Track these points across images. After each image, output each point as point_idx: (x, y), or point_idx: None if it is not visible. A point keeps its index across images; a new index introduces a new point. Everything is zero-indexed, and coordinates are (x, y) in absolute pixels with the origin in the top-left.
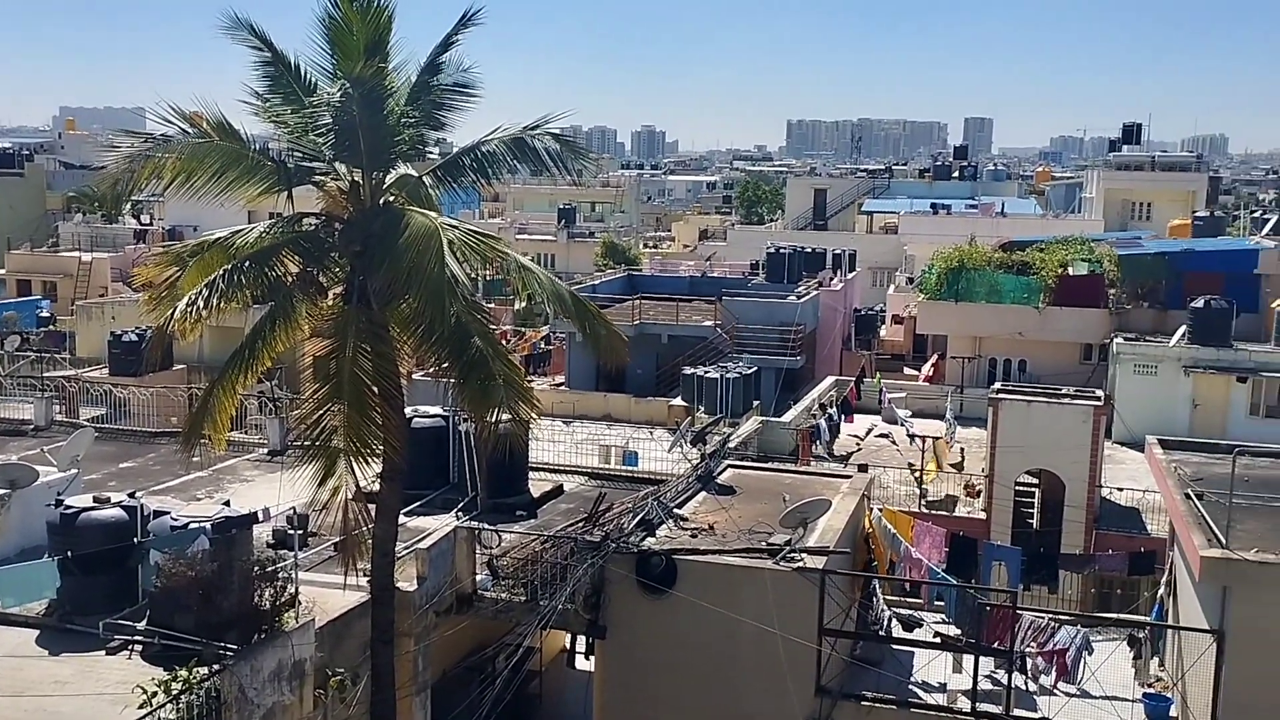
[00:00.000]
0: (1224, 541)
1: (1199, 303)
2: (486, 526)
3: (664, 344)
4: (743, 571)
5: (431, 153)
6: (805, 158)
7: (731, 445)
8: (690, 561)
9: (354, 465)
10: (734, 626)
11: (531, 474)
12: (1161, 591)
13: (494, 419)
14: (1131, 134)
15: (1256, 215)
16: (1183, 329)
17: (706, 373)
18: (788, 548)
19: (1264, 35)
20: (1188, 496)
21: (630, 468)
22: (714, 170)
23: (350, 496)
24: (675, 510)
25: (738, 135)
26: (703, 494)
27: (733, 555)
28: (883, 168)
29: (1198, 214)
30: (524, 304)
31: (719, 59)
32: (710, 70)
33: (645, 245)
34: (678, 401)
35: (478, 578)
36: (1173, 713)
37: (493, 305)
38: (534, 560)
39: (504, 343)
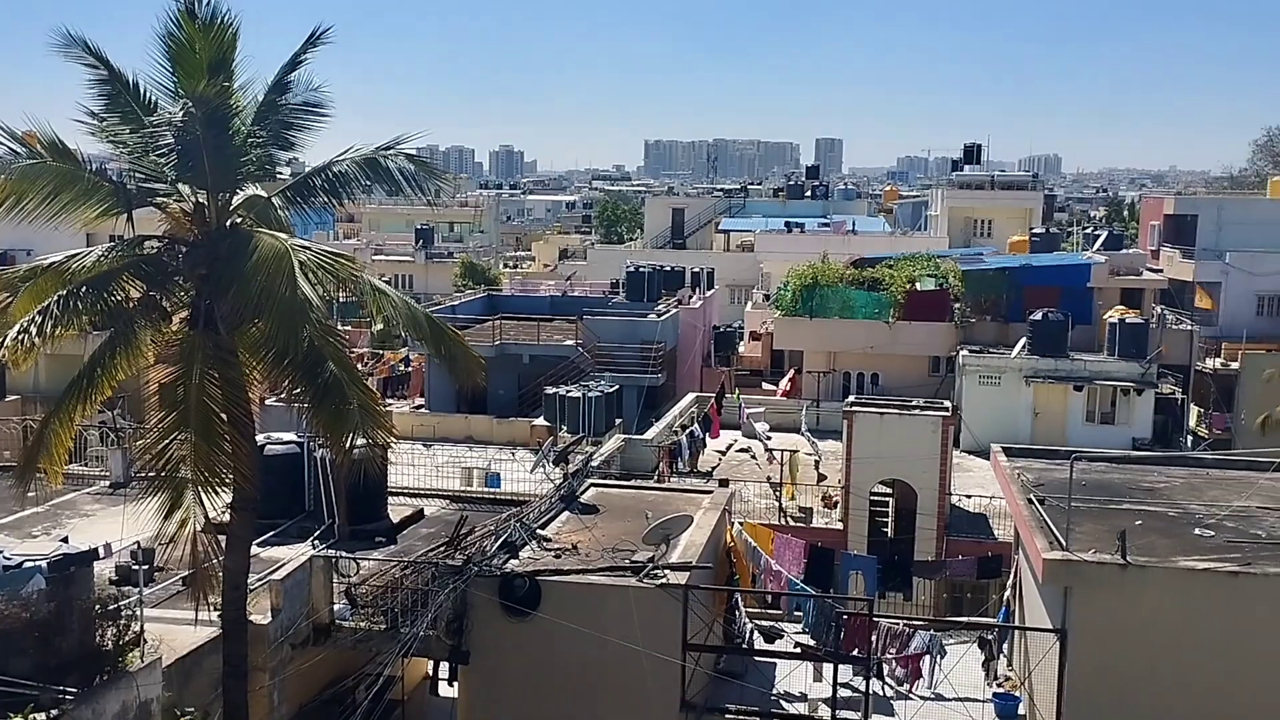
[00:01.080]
0: (1064, 544)
1: (1037, 315)
2: (344, 554)
3: (525, 364)
4: (606, 590)
5: (282, 173)
6: (663, 177)
7: (594, 464)
8: (554, 582)
9: (203, 496)
10: (599, 646)
11: (391, 499)
12: (1008, 594)
13: (350, 444)
14: (972, 154)
15: (1088, 231)
16: (1023, 341)
17: (568, 392)
18: (651, 565)
19: (1093, 62)
20: (1030, 502)
21: (493, 489)
22: (573, 190)
23: (199, 528)
24: (538, 531)
25: (596, 155)
26: (566, 514)
27: (596, 574)
28: (738, 187)
29: (1035, 230)
30: (381, 326)
31: (577, 79)
32: (569, 90)
33: (505, 265)
34: (540, 421)
35: (335, 607)
36: (1021, 710)
37: (348, 328)
38: (394, 587)
39: (361, 366)
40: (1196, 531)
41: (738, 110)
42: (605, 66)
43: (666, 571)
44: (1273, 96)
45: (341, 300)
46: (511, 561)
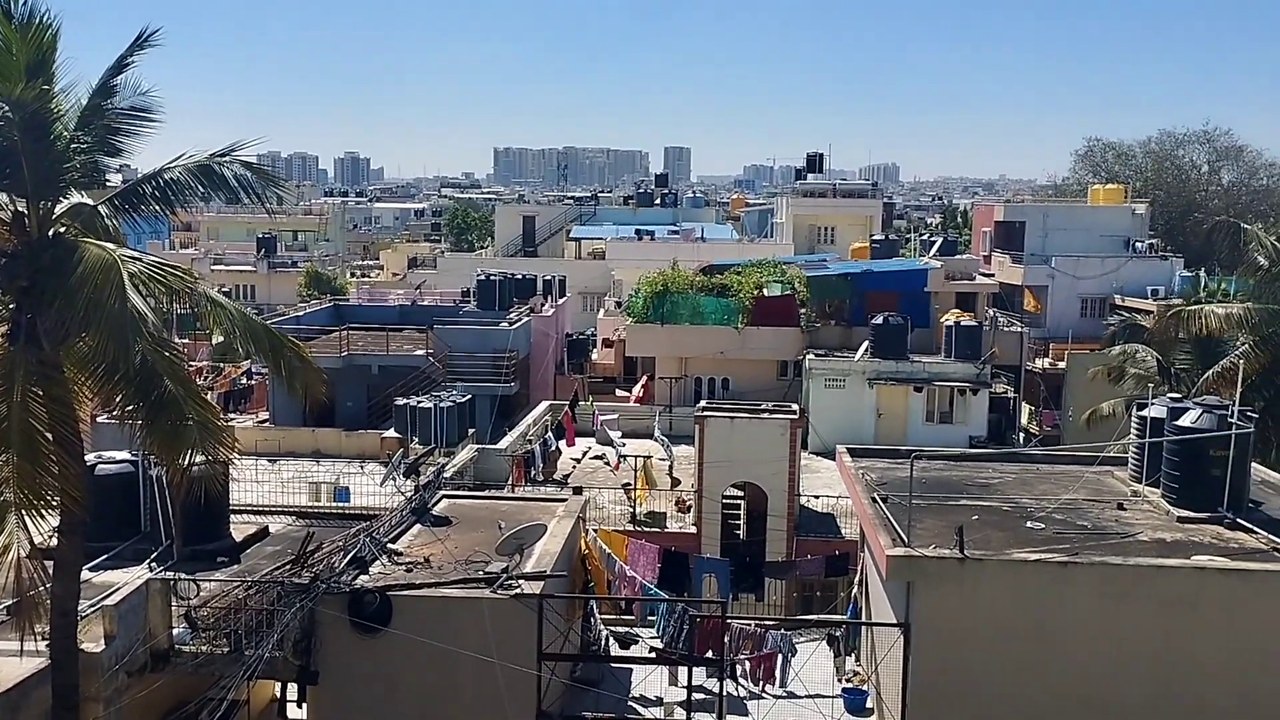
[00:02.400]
0: (906, 540)
1: (878, 319)
2: (183, 576)
3: (375, 375)
4: (460, 603)
5: (111, 180)
6: (513, 185)
7: (447, 475)
8: (405, 597)
9: (27, 520)
10: (453, 659)
11: (234, 517)
12: (855, 591)
13: (188, 462)
14: (815, 163)
15: (925, 238)
16: (866, 344)
17: (420, 403)
18: (505, 576)
19: (927, 74)
20: (874, 500)
21: (342, 504)
22: (422, 198)
23: (24, 554)
24: (389, 545)
25: (445, 162)
26: (417, 527)
27: (449, 587)
28: (589, 195)
29: (875, 237)
30: (221, 339)
31: (425, 86)
32: (417, 97)
33: (352, 274)
34: (391, 433)
35: (175, 631)
36: (869, 704)
37: (186, 341)
38: (237, 608)
39: (201, 380)
40: (1028, 524)
41: (587, 118)
42: (454, 73)
43: (521, 582)
44: (1092, 109)
45: (179, 313)
46: (361, 577)
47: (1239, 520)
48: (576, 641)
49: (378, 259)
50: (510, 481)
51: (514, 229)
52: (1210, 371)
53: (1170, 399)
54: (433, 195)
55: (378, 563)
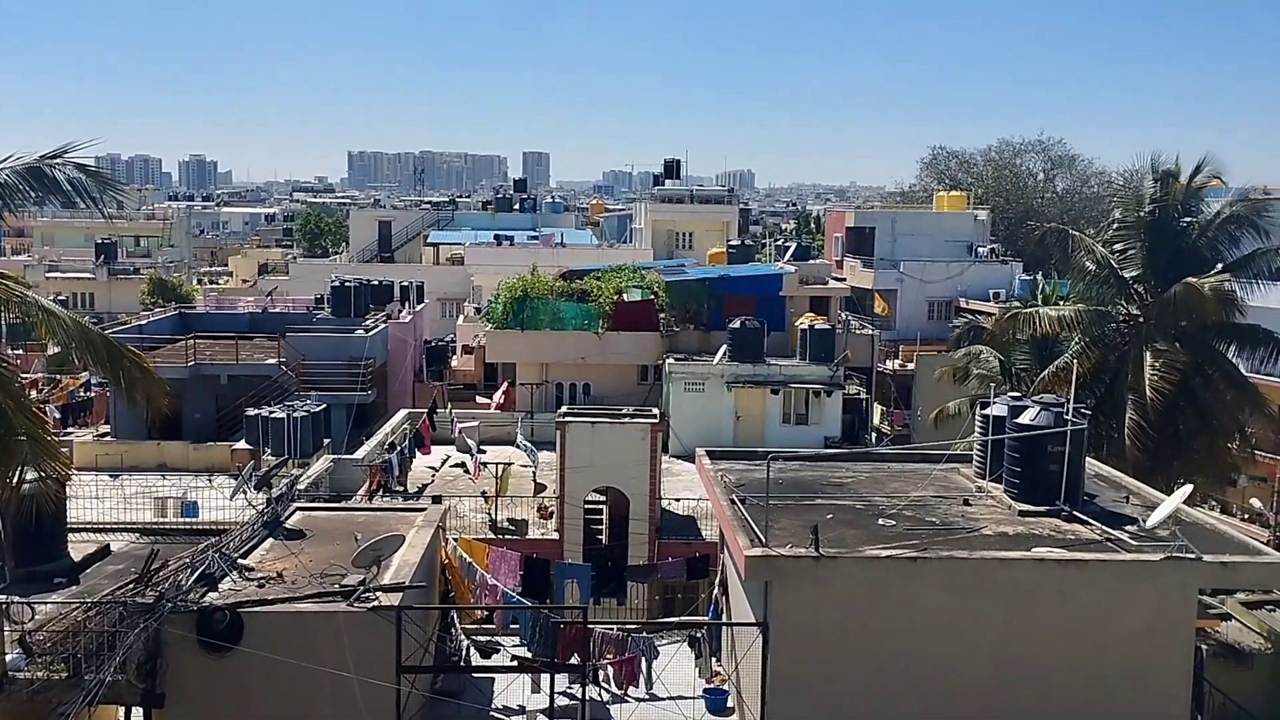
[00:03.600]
0: (764, 540)
1: (736, 324)
2: (16, 599)
3: (224, 385)
4: (315, 618)
5: None
6: (368, 189)
7: (301, 487)
8: (257, 614)
9: None
10: (309, 676)
11: (72, 536)
12: (716, 592)
13: (18, 479)
14: (672, 169)
15: (779, 243)
16: (724, 348)
17: (272, 413)
18: (361, 588)
19: (781, 83)
20: (733, 502)
21: (190, 519)
22: (273, 202)
23: None
24: (239, 561)
25: (297, 166)
26: (270, 541)
27: (304, 602)
28: (447, 200)
29: (732, 243)
30: (56, 349)
31: (277, 86)
32: (266, 99)
33: (199, 281)
34: (241, 445)
35: (8, 657)
36: (730, 703)
37: (19, 352)
38: (76, 631)
39: (36, 393)
40: (880, 522)
41: (445, 122)
42: (306, 74)
43: (378, 594)
44: (936, 119)
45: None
46: (210, 595)
47: (1075, 513)
48: (436, 653)
49: (226, 265)
50: (368, 492)
51: (369, 234)
52: (1047, 371)
53: (1011, 398)
54: (284, 199)
55: (228, 579)
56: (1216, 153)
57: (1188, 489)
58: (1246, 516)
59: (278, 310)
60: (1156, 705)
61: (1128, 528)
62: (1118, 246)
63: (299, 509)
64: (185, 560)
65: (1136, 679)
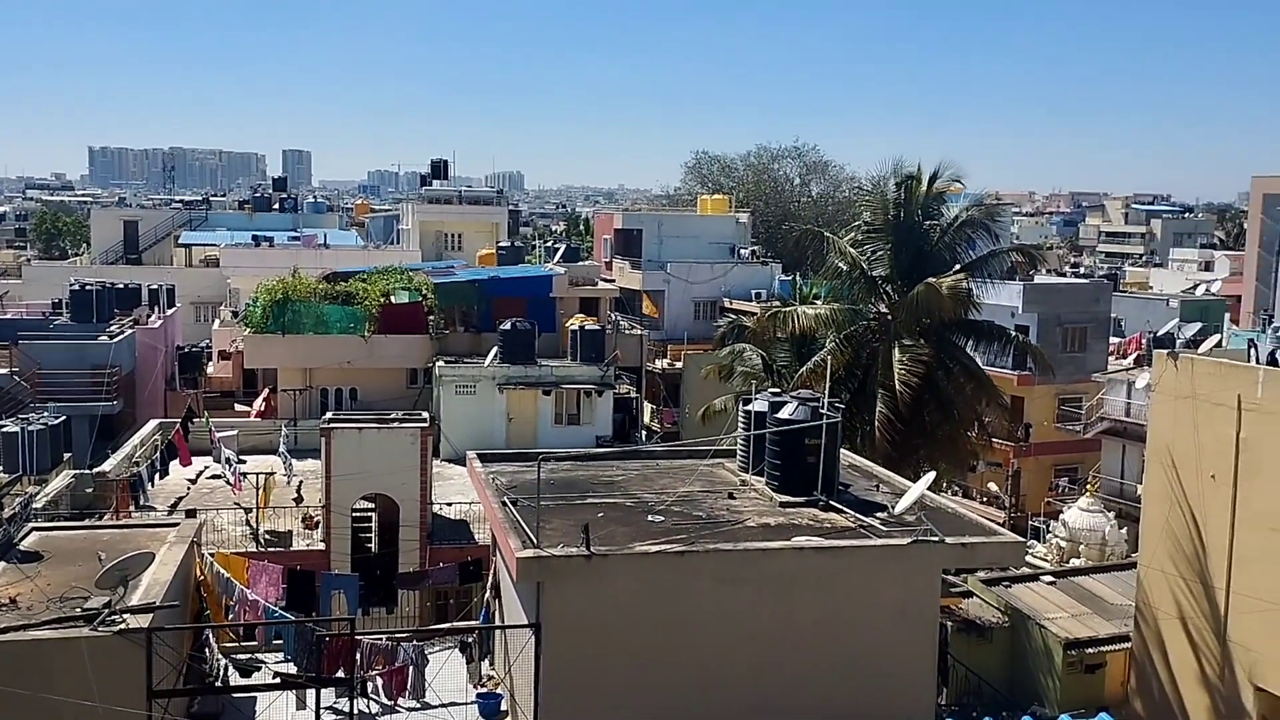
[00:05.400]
0: (535, 541)
1: (507, 325)
2: None
3: None
4: (54, 645)
5: None
6: (112, 187)
7: (38, 505)
8: None
9: None
10: (50, 708)
11: None
12: (488, 596)
13: None
14: (440, 170)
15: (549, 245)
16: (495, 350)
17: (3, 426)
18: (107, 611)
19: (550, 84)
20: (504, 504)
21: None
22: (3, 200)
23: None
24: None
25: (31, 162)
26: (2, 564)
27: (40, 629)
28: (200, 199)
29: (501, 244)
30: None
31: (6, 75)
32: None
33: None
34: None
35: None
36: (504, 706)
37: None
38: None
39: None
40: (650, 518)
41: (197, 117)
42: (41, 62)
43: (126, 616)
44: (700, 123)
45: None
46: None
47: (831, 502)
48: (191, 674)
49: None
50: (116, 508)
51: (114, 234)
52: (805, 368)
53: (772, 394)
54: (16, 197)
55: None
56: (955, 158)
57: (932, 476)
58: (985, 499)
59: (9, 317)
60: (906, 680)
61: (879, 515)
62: (867, 248)
63: (35, 529)
64: None
65: (889, 656)
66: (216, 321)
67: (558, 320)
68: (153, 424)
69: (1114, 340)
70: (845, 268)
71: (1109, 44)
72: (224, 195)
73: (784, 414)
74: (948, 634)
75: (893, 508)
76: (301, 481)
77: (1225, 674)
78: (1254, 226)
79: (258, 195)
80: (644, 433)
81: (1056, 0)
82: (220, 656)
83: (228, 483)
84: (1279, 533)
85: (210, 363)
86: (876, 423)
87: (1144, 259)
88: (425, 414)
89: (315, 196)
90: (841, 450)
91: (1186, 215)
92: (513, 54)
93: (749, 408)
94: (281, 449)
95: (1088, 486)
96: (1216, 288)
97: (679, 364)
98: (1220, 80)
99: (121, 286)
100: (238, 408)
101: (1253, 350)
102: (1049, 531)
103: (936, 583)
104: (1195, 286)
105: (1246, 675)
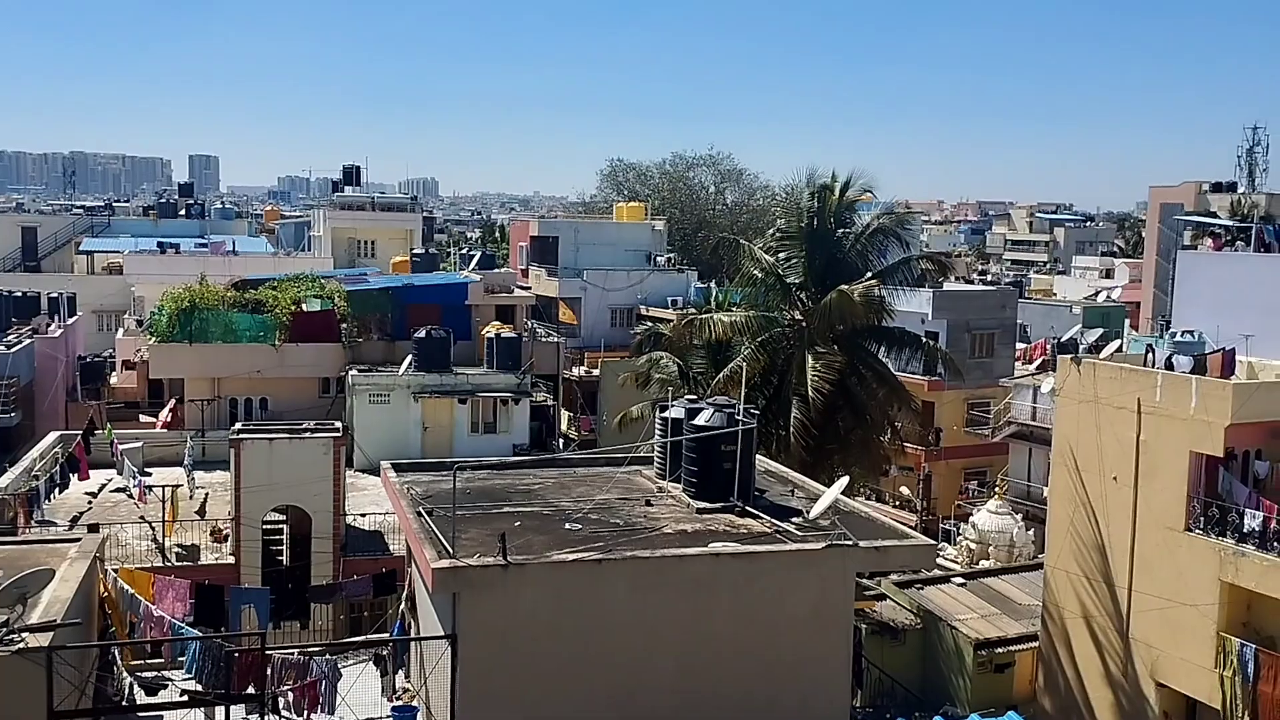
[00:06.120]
0: (451, 552)
1: (421, 333)
2: None
3: None
4: None
5: None
6: (9, 192)
7: None
8: None
9: None
10: None
11: None
12: (404, 607)
13: None
14: (352, 175)
15: (465, 252)
16: (410, 358)
17: None
18: (4, 629)
19: (464, 91)
20: (419, 514)
21: None
22: None
23: None
24: None
25: None
26: None
27: None
28: (102, 204)
29: (416, 251)
30: None
31: None
32: None
33: None
34: None
35: None
36: (420, 719)
37: None
38: None
39: None
40: (567, 526)
41: (99, 120)
42: None
43: (24, 635)
44: (616, 130)
45: None
46: None
47: (747, 508)
48: (95, 694)
49: None
50: (15, 525)
51: (11, 241)
52: (721, 374)
53: (688, 400)
54: None
55: None
56: (867, 167)
57: (845, 480)
58: (898, 503)
59: None
60: (822, 683)
61: (794, 519)
62: (781, 255)
63: None
64: None
65: (805, 660)
66: (120, 331)
67: (473, 328)
68: (52, 436)
69: (1020, 346)
70: (760, 275)
71: (1014, 56)
72: (128, 201)
73: (700, 421)
74: (862, 636)
75: (808, 512)
76: (207, 494)
77: (1128, 671)
78: (1152, 235)
79: (163, 201)
80: (561, 441)
81: (961, 13)
82: (126, 675)
83: (130, 496)
84: (1176, 532)
85: (114, 373)
86: (792, 428)
87: (1048, 266)
88: (338, 424)
89: (223, 202)
90: (757, 456)
91: (1088, 224)
92: (427, 59)
93: (666, 415)
94: (186, 461)
95: (996, 489)
96: (1117, 294)
97: (596, 371)
98: (1119, 92)
99: (19, 295)
100: (143, 419)
101: (1151, 355)
102: (959, 534)
103: (850, 586)
104: (1097, 293)
105: (1148, 671)
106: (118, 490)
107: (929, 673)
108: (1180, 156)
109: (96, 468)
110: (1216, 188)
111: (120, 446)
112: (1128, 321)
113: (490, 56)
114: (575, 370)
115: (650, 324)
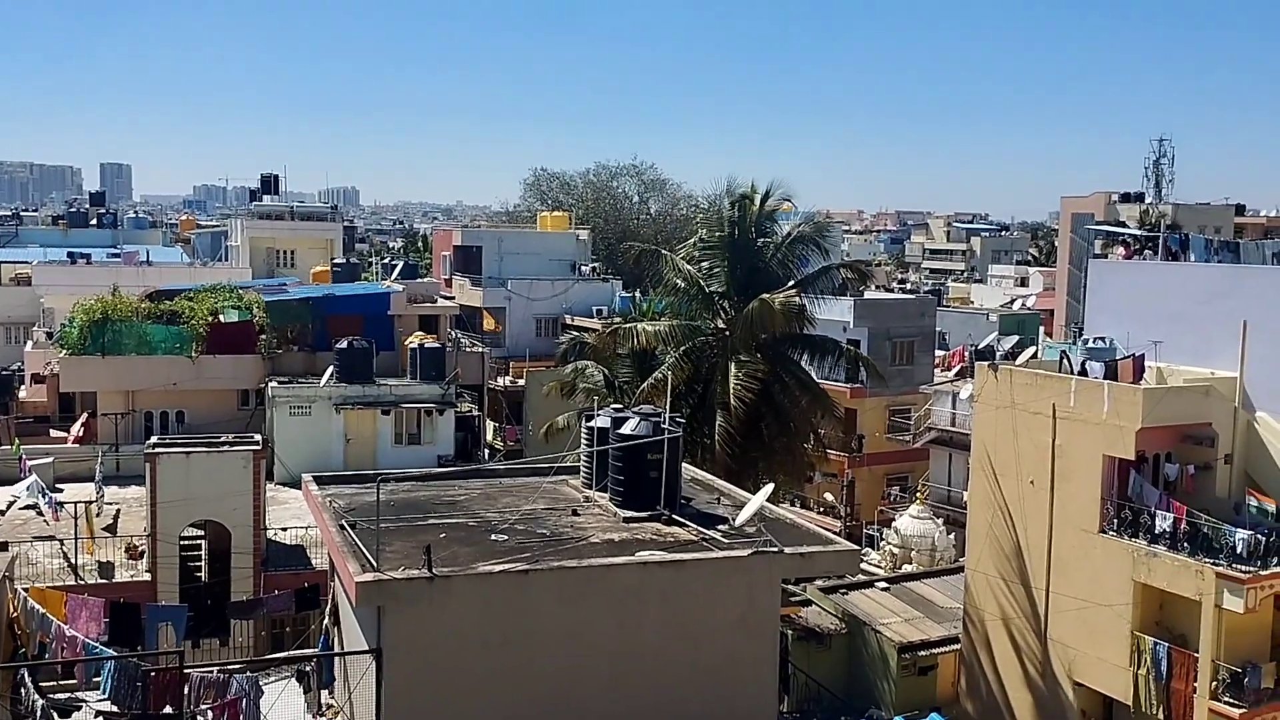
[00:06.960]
0: (375, 565)
1: (343, 344)
2: None
3: None
4: None
5: None
6: None
7: None
8: None
9: None
10: None
11: None
12: (327, 622)
13: None
14: (270, 184)
15: (387, 261)
16: (331, 369)
17: None
18: None
19: (388, 99)
20: (342, 527)
21: None
22: None
23: None
24: None
25: None
26: None
27: None
28: (10, 213)
29: (336, 261)
30: None
31: None
32: None
33: None
34: None
35: None
36: None
37: None
38: None
39: None
40: (494, 537)
41: (5, 128)
42: None
43: None
44: (538, 139)
45: None
46: None
47: (674, 516)
48: (9, 716)
49: None
50: None
51: None
52: (646, 383)
53: (614, 410)
54: None
55: None
56: (787, 177)
57: (770, 488)
58: (822, 509)
59: None
60: (750, 689)
61: (720, 527)
62: (704, 264)
63: None
64: None
65: (733, 666)
66: (29, 343)
67: (396, 338)
68: None
69: (939, 353)
70: (683, 284)
71: (931, 68)
72: (36, 210)
73: (626, 430)
74: (788, 642)
75: (733, 520)
76: (118, 510)
77: (1047, 671)
78: (1064, 244)
79: (73, 210)
80: (487, 451)
81: (879, 25)
82: (37, 697)
83: (39, 513)
84: (1091, 534)
85: (22, 386)
86: (717, 436)
87: (965, 275)
88: (258, 436)
89: (136, 212)
90: (683, 464)
91: (1003, 233)
92: (345, 67)
93: (591, 424)
94: (99, 477)
95: (917, 495)
96: (1031, 302)
97: (521, 381)
98: (1031, 102)
99: None
100: (54, 434)
101: (1065, 361)
102: (882, 539)
103: (777, 592)
104: (1012, 301)
105: (1066, 672)
106: (27, 507)
107: (854, 677)
108: (1090, 167)
109: (4, 484)
110: (1125, 198)
111: (28, 462)
112: (1042, 328)
113: (412, 64)
114: (500, 380)
115: (575, 333)
